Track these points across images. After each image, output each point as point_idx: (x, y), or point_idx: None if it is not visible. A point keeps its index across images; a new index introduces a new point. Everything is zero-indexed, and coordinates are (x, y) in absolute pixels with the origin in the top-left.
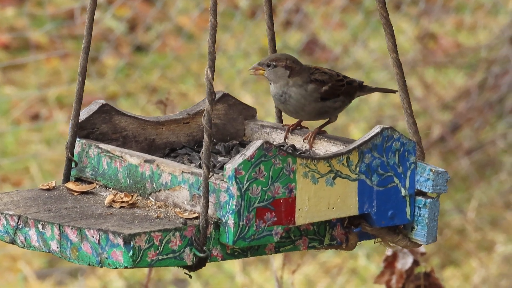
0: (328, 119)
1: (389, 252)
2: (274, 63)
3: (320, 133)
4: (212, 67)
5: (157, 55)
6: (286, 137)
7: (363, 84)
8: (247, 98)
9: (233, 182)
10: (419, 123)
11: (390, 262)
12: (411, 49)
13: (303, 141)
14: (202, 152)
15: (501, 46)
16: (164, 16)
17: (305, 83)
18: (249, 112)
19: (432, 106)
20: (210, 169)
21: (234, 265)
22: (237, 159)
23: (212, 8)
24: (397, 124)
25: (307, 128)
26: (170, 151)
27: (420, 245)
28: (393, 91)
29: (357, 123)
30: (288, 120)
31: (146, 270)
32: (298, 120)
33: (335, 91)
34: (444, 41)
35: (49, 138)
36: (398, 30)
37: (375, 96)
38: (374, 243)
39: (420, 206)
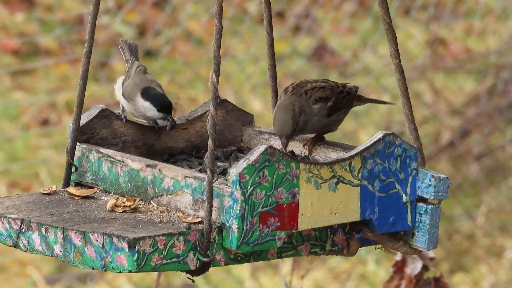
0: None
1: (398, 257)
2: (295, 125)
3: (319, 139)
4: (217, 72)
5: (167, 60)
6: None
7: (359, 94)
8: (256, 103)
9: (237, 187)
10: (429, 128)
11: (399, 267)
12: (421, 54)
13: (303, 146)
14: (207, 157)
15: (510, 51)
16: (174, 21)
17: (311, 108)
18: (247, 118)
19: (442, 111)
20: (214, 174)
21: (243, 270)
22: (241, 164)
23: (217, 12)
24: (406, 129)
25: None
26: (169, 157)
27: (421, 251)
28: (388, 103)
29: (366, 129)
30: None
31: (155, 275)
32: None
33: (338, 105)
34: (453, 46)
35: (59, 143)
36: (408, 35)
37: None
38: (375, 249)
39: (421, 212)
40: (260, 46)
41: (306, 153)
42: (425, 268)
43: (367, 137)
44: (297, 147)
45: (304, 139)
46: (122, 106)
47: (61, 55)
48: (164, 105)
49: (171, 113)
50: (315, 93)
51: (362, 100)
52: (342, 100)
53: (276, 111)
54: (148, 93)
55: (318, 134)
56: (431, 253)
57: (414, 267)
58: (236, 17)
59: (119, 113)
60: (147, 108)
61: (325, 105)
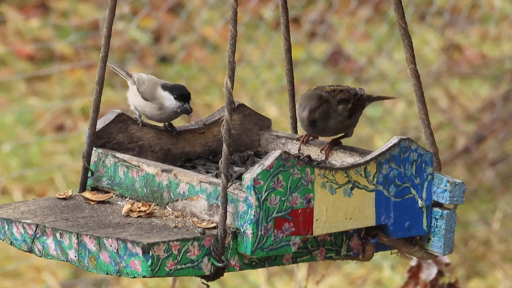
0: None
1: (413, 263)
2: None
3: (336, 144)
4: (231, 77)
5: (182, 66)
6: (300, 148)
7: (368, 94)
8: (271, 109)
9: (252, 192)
10: (444, 134)
11: (414, 272)
12: (436, 60)
13: (320, 151)
14: (221, 162)
15: None
16: (189, 27)
17: (335, 106)
18: (264, 123)
19: (457, 117)
20: (229, 179)
21: (258, 276)
22: (256, 169)
23: (232, 18)
24: (421, 135)
25: (318, 137)
26: (185, 161)
27: (436, 256)
28: (392, 98)
29: (382, 134)
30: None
31: (170, 280)
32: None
33: (356, 107)
34: (468, 52)
35: (74, 149)
36: (423, 41)
37: (400, 107)
38: (391, 254)
39: (437, 217)
40: (275, 52)
41: (323, 158)
42: (440, 273)
43: (382, 143)
44: (314, 151)
45: (321, 144)
46: (139, 112)
47: (76, 61)
48: (181, 93)
49: (188, 102)
50: (338, 95)
51: (371, 99)
52: (358, 102)
53: (300, 98)
54: (168, 85)
55: (335, 139)
56: (446, 259)
57: (429, 272)
58: (252, 23)
59: (135, 118)
60: (165, 98)
61: (346, 106)
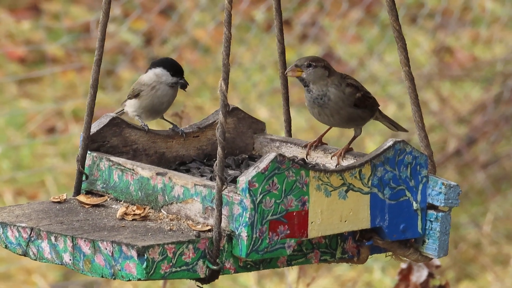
0: (354, 133)
1: (404, 265)
2: (314, 63)
3: (348, 150)
4: (226, 80)
5: None
6: (308, 154)
7: (380, 110)
8: (262, 111)
9: (247, 195)
10: (435, 136)
11: (405, 275)
12: (427, 63)
13: (331, 158)
14: (216, 165)
15: None
16: (180, 29)
17: (341, 85)
18: (258, 126)
19: (448, 119)
20: (224, 182)
21: (249, 278)
22: (251, 172)
23: (226, 20)
24: (413, 137)
25: (326, 144)
26: (180, 165)
27: (431, 258)
28: (404, 130)
29: (372, 137)
30: (302, 133)
31: (161, 282)
32: (318, 137)
33: (365, 102)
34: (460, 54)
35: (65, 152)
36: (414, 44)
37: (391, 109)
38: (386, 256)
39: (431, 219)
40: (266, 54)
41: (321, 163)
42: (431, 276)
43: (373, 145)
44: (321, 160)
45: (333, 151)
46: (139, 116)
47: (67, 63)
48: (177, 68)
49: (183, 76)
50: (349, 79)
51: (382, 115)
52: (368, 99)
53: None
54: (157, 62)
55: (347, 144)
56: (437, 261)
57: (419, 275)
58: (243, 25)
59: (142, 126)
60: (160, 74)
61: (354, 93)
